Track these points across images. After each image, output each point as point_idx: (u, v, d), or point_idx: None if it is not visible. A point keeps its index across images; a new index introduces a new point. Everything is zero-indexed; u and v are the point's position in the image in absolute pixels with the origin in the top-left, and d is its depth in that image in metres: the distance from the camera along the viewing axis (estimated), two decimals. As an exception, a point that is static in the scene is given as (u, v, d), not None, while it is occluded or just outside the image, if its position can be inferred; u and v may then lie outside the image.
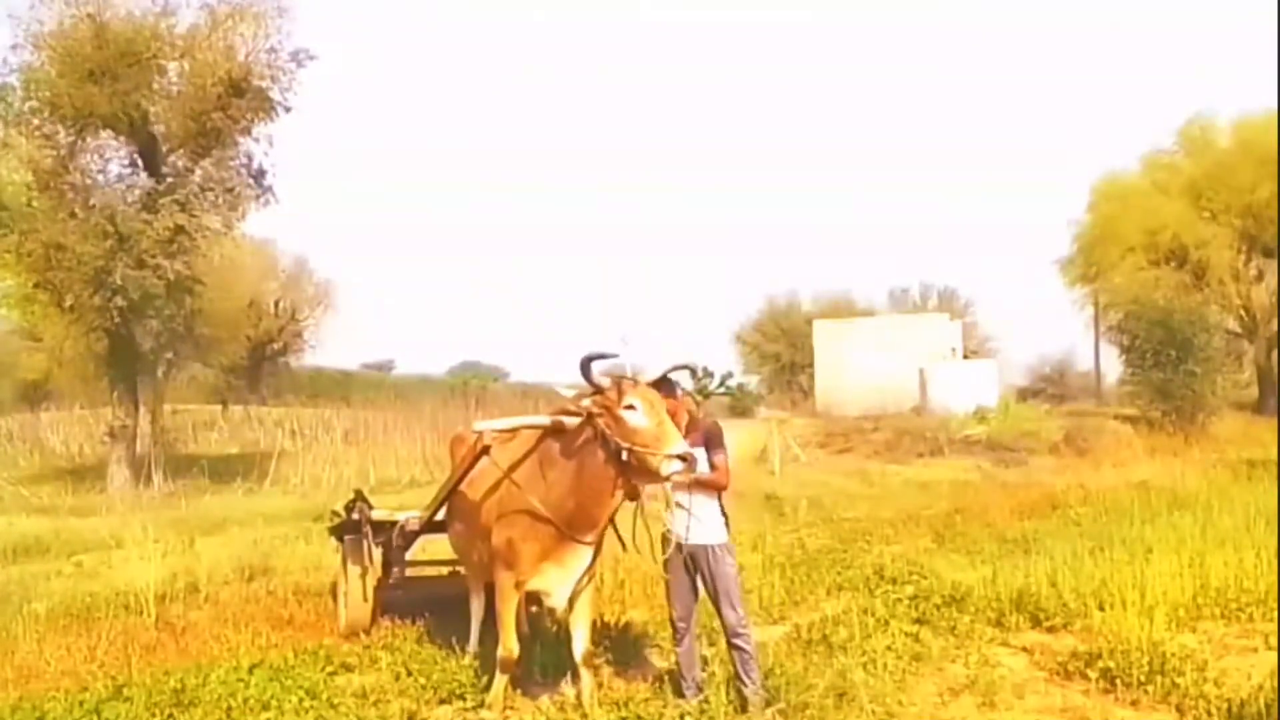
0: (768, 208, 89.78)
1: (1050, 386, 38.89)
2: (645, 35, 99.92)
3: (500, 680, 5.44)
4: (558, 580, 5.26)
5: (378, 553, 7.12)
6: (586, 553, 5.22)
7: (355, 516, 7.27)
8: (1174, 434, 21.01)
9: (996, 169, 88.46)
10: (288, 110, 18.24)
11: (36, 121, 17.22)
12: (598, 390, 4.87)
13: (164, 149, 18.32)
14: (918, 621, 7.01)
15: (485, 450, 5.57)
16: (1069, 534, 10.18)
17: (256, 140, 18.44)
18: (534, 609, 6.45)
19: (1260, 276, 29.51)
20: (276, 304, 38.20)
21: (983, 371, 26.70)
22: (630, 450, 4.68)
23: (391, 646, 6.65)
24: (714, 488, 5.18)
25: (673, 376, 5.21)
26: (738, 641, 5.19)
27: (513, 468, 5.34)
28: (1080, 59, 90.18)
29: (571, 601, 5.34)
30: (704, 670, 5.50)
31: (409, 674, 6.05)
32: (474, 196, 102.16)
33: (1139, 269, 28.59)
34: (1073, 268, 31.26)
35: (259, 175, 18.57)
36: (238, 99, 17.66)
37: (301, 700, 5.61)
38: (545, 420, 5.38)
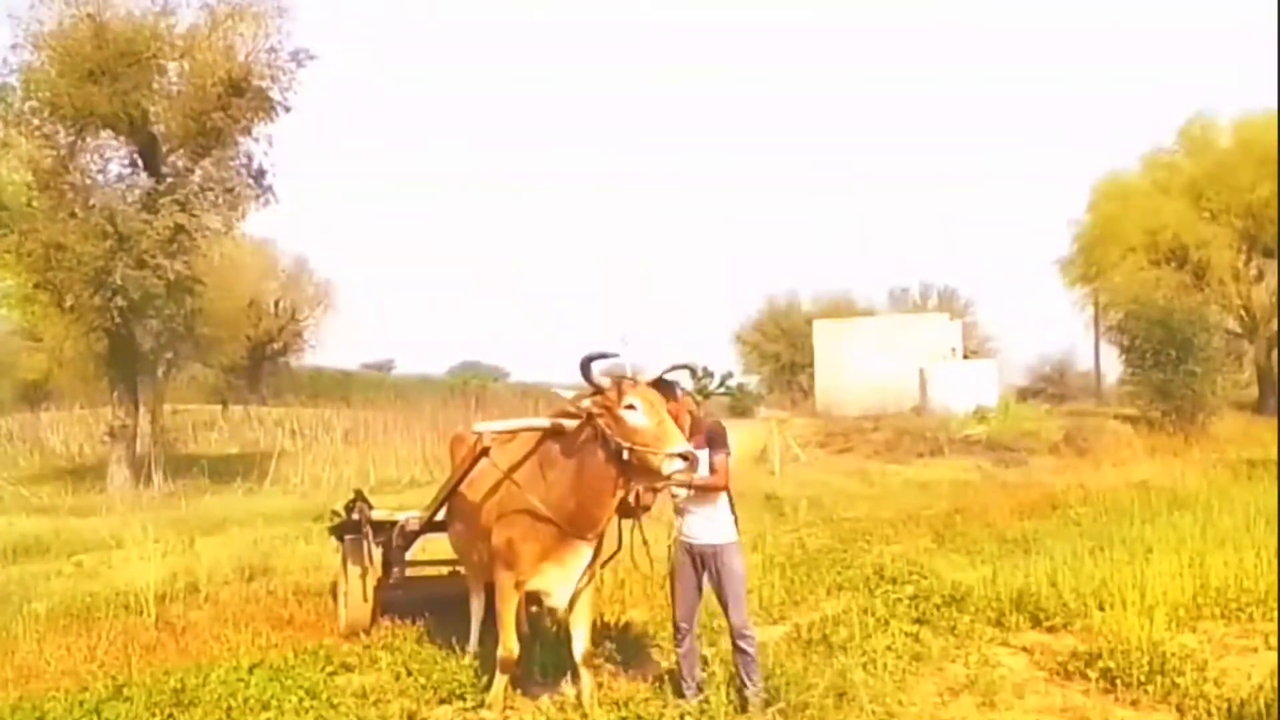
0: (768, 207, 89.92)
1: (1050, 386, 38.86)
2: (645, 35, 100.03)
3: (500, 680, 5.44)
4: (558, 580, 5.26)
5: (378, 553, 7.12)
6: (586, 552, 5.22)
7: (355, 516, 7.27)
8: (1174, 434, 21.01)
9: (996, 169, 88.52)
10: (288, 110, 18.27)
11: (36, 121, 17.22)
12: (598, 390, 4.87)
13: (164, 149, 18.32)
14: (918, 621, 7.01)
15: (485, 452, 5.57)
16: (1069, 534, 10.18)
17: (256, 140, 18.47)
18: (534, 609, 6.45)
19: (1260, 276, 29.52)
20: (276, 304, 38.19)
21: (983, 371, 26.69)
22: (631, 450, 4.69)
23: (391, 646, 6.65)
24: (712, 490, 5.18)
25: (672, 377, 5.21)
26: (741, 643, 5.19)
27: (513, 468, 5.35)
28: (1080, 59, 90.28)
29: (571, 602, 5.34)
30: (704, 670, 5.50)
31: (409, 674, 6.06)
32: (474, 196, 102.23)
33: (1139, 269, 28.58)
34: (1073, 268, 31.26)
35: (259, 175, 18.58)
36: (238, 99, 17.66)
37: (301, 700, 5.62)
38: (545, 422, 5.39)
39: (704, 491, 5.16)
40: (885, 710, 5.24)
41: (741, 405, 32.12)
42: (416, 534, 6.97)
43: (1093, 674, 5.70)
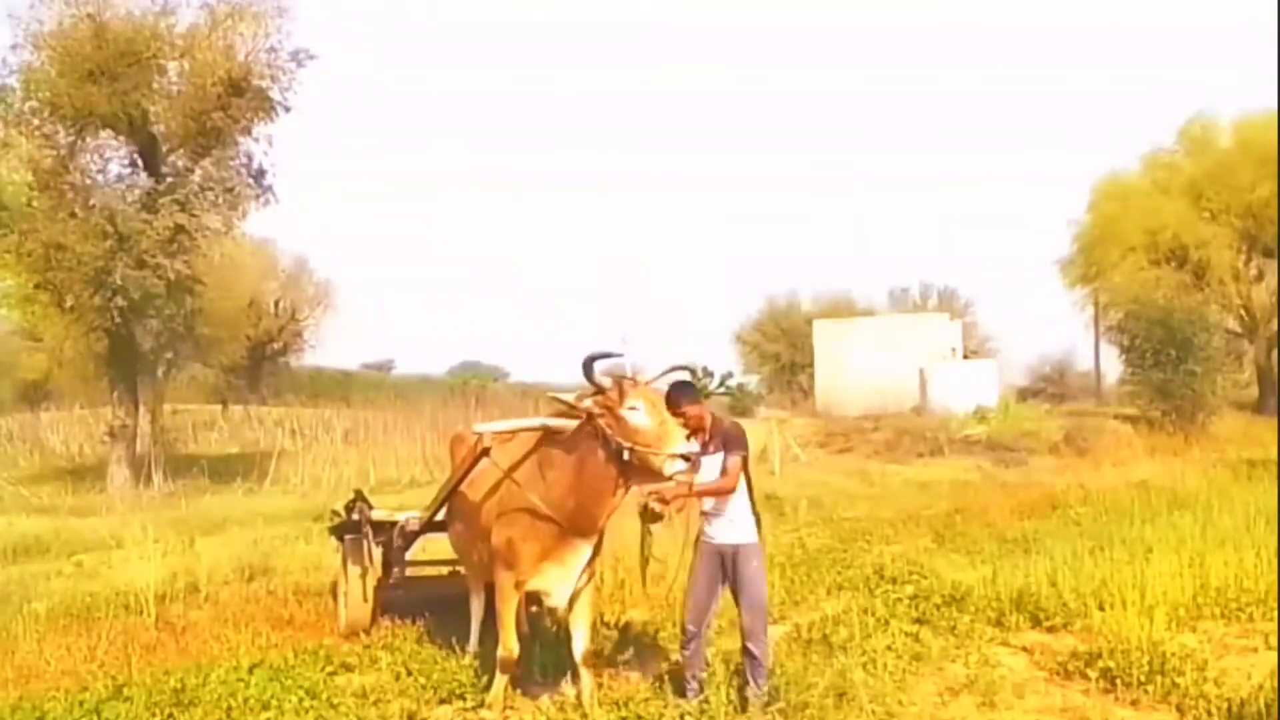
0: (768, 207, 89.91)
1: (1050, 386, 38.85)
2: (645, 35, 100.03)
3: (500, 680, 5.44)
4: (558, 580, 5.27)
5: (378, 553, 7.13)
6: (586, 552, 5.22)
7: (355, 516, 7.28)
8: (1174, 434, 21.02)
9: (996, 169, 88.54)
10: (288, 110, 18.26)
11: (36, 121, 17.21)
12: (600, 390, 4.87)
13: (164, 149, 18.31)
14: (918, 621, 7.01)
15: (485, 452, 5.57)
16: (1069, 534, 10.18)
17: (256, 140, 18.46)
18: (534, 609, 6.45)
19: (1260, 276, 29.52)
20: (276, 304, 38.20)
21: (983, 371, 26.70)
22: (632, 450, 4.69)
23: (391, 646, 6.65)
24: (722, 492, 5.16)
25: (672, 378, 5.21)
26: (750, 645, 5.18)
27: (513, 468, 5.35)
28: (1080, 59, 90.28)
29: (571, 601, 5.35)
30: (704, 670, 5.50)
31: (409, 674, 6.06)
32: (474, 196, 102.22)
33: (1139, 269, 28.59)
34: (1073, 268, 31.25)
35: (259, 175, 18.57)
36: (238, 99, 17.65)
37: (301, 700, 5.62)
38: (545, 422, 5.39)
39: (717, 495, 5.15)
40: (885, 710, 5.24)
41: (741, 405, 32.08)
42: (416, 534, 6.98)
43: (1093, 674, 5.70)
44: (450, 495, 6.21)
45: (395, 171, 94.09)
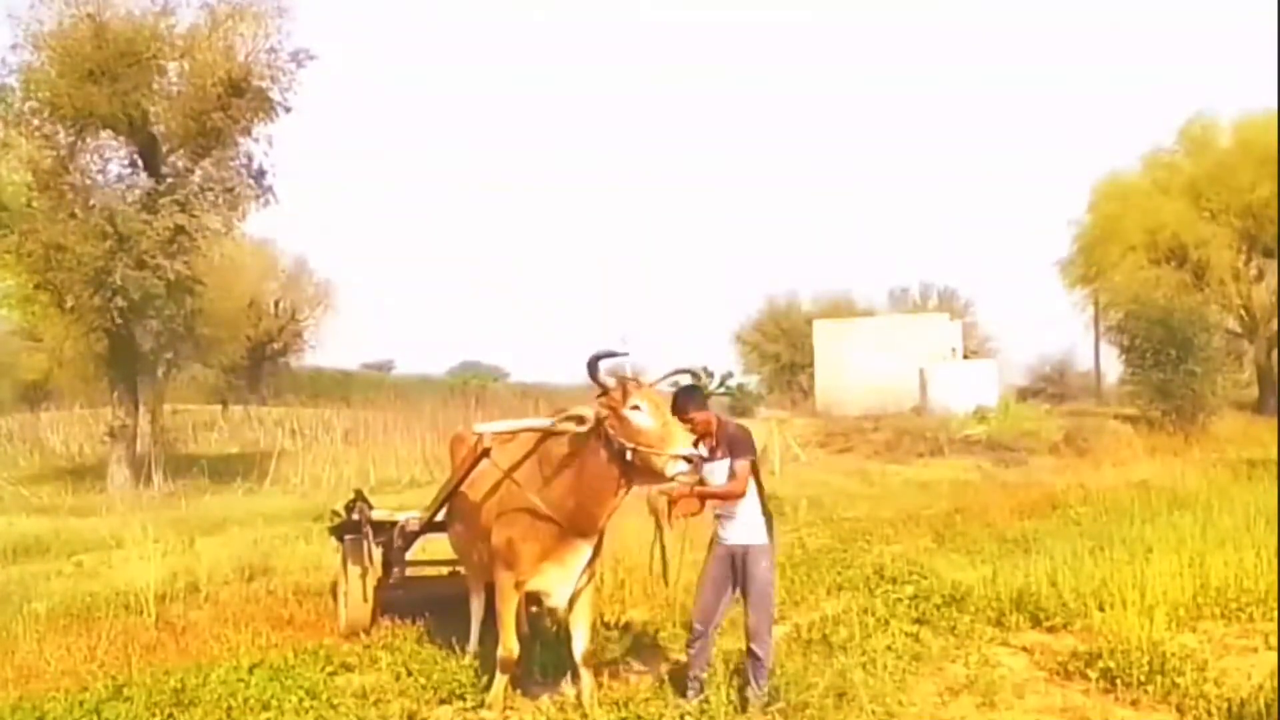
0: (768, 207, 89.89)
1: (1050, 386, 38.83)
2: (645, 35, 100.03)
3: (500, 680, 5.44)
4: (558, 580, 5.27)
5: (378, 553, 7.12)
6: (586, 552, 5.22)
7: (355, 516, 7.27)
8: (1174, 434, 21.02)
9: (996, 169, 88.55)
10: (288, 110, 18.29)
11: (36, 121, 17.23)
12: (604, 390, 4.87)
13: (164, 149, 18.33)
14: (918, 621, 7.01)
15: (485, 453, 5.57)
16: (1069, 534, 10.17)
17: (256, 140, 18.49)
18: (534, 609, 6.45)
19: (1260, 276, 29.52)
20: (276, 304, 38.20)
21: (983, 371, 26.72)
22: (634, 450, 4.69)
23: (391, 646, 6.65)
24: (730, 497, 5.15)
25: (673, 380, 5.22)
26: (754, 646, 5.18)
27: (513, 468, 5.35)
28: (1080, 59, 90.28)
29: (571, 601, 5.35)
30: (706, 670, 5.49)
31: (409, 674, 6.05)
32: (474, 196, 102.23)
33: (1139, 269, 28.59)
34: (1073, 268, 31.27)
35: (259, 175, 18.59)
36: (238, 99, 17.67)
37: (301, 700, 5.61)
38: (545, 422, 5.39)
39: (726, 499, 5.15)
40: (885, 710, 5.24)
41: (741, 405, 32.08)
42: (417, 534, 6.97)
43: (1093, 674, 5.70)
44: (450, 495, 6.21)
45: (395, 171, 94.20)
